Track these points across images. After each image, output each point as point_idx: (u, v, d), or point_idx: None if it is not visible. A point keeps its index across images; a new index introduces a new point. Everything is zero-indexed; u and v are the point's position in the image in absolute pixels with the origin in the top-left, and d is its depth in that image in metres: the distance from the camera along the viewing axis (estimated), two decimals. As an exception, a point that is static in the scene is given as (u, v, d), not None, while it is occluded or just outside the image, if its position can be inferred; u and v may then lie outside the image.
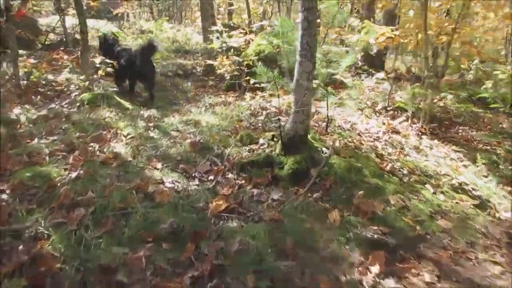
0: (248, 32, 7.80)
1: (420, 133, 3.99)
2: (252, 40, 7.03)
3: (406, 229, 2.23)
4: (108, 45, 4.82)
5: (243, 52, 6.16)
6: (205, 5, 7.38)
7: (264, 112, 4.25)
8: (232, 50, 6.19)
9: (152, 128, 3.32)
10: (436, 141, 3.90)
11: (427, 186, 2.79)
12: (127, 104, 4.32)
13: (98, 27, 8.77)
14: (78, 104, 4.00)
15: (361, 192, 2.42)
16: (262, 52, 5.98)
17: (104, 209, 2.00)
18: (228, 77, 5.35)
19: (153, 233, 1.90)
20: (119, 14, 10.92)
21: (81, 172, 2.33)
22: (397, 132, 3.92)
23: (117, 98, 4.26)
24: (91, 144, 2.77)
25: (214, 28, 6.29)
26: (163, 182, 2.42)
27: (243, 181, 2.50)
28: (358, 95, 5.63)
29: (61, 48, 6.92)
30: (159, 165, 2.62)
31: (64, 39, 7.41)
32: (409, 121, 4.11)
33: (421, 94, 4.58)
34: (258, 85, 4.75)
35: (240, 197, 2.31)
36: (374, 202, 2.37)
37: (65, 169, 2.37)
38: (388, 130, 3.90)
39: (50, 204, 2.01)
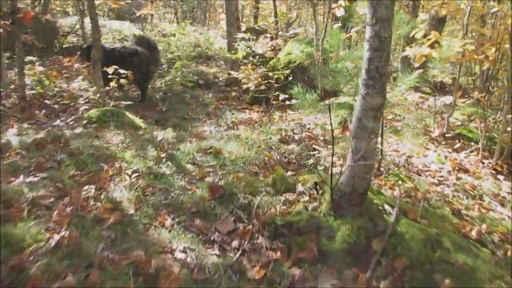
0: (274, 37, 7.14)
1: (494, 172, 3.18)
2: (279, 45, 6.39)
3: None
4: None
5: (271, 61, 5.52)
6: (231, 6, 6.77)
7: (297, 137, 3.59)
8: (257, 57, 5.57)
9: (164, 160, 2.73)
10: (516, 183, 3.09)
11: (531, 264, 2.03)
12: (139, 122, 3.78)
13: (121, 28, 8.41)
14: (84, 121, 3.50)
15: (447, 280, 1.71)
16: (292, 62, 5.32)
17: (84, 307, 1.40)
18: (252, 88, 4.72)
19: None
20: (143, 16, 10.55)
21: (66, 234, 1.75)
22: (465, 171, 3.14)
23: (129, 116, 3.72)
24: (86, 186, 2.20)
25: (239, 35, 5.66)
26: (171, 251, 1.81)
27: (279, 253, 1.84)
28: (403, 114, 4.87)
29: (78, 52, 6.51)
30: (168, 221, 2.01)
31: (83, 42, 7.03)
32: (480, 155, 3.30)
33: (481, 115, 3.75)
34: (289, 102, 4.11)
35: (276, 283, 1.66)
36: (467, 297, 1.66)
37: (46, 229, 1.80)
38: (453, 168, 3.12)
39: (13, 294, 1.44)
